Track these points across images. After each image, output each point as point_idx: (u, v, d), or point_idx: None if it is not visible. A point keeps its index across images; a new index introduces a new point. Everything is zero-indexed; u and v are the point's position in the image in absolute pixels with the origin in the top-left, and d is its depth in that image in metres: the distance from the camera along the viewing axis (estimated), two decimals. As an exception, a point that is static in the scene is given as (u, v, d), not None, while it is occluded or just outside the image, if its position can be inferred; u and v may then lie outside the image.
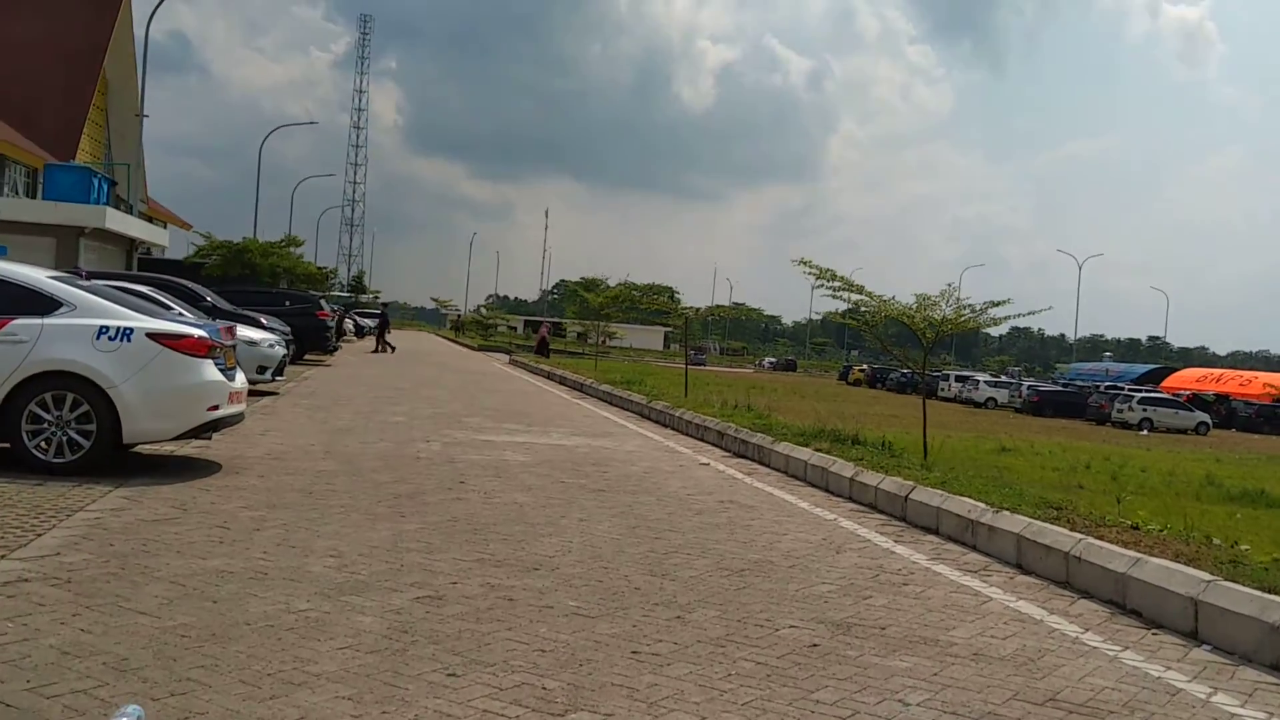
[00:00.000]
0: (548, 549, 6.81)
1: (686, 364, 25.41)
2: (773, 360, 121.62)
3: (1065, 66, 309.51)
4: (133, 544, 6.14)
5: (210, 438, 9.45)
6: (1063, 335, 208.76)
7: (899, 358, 15.65)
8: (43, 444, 8.21)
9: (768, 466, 11.89)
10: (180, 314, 17.38)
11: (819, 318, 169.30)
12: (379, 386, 21.84)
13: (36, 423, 8.20)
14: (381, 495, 8.43)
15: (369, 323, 67.89)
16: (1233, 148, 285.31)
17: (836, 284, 13.09)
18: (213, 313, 20.43)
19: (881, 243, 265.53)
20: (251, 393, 17.75)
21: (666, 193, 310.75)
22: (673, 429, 16.27)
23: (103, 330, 8.38)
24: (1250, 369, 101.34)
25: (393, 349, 42.27)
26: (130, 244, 35.77)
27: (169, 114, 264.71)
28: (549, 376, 31.25)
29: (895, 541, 7.83)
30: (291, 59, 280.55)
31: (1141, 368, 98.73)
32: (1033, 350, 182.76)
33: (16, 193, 36.62)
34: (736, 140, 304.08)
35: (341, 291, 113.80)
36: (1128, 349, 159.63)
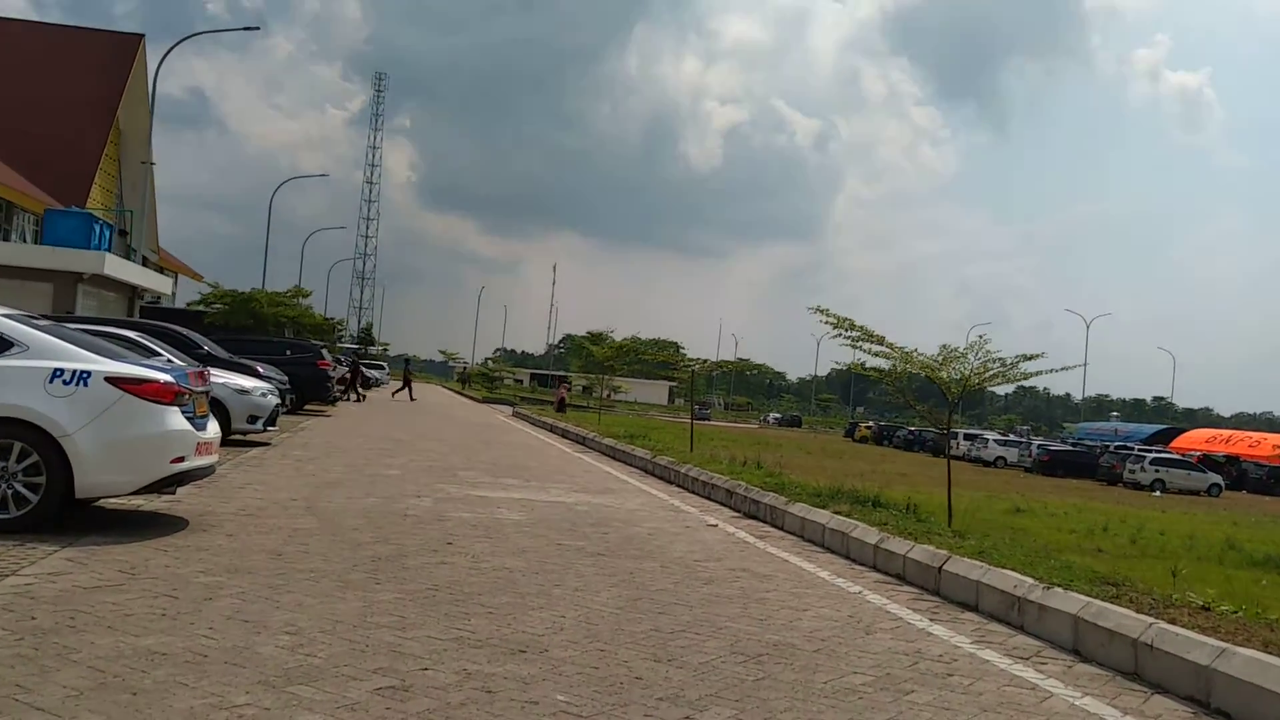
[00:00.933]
0: (538, 625, 5.99)
1: (692, 418, 24.61)
2: (777, 416, 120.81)
3: (1068, 130, 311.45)
4: (59, 617, 5.33)
5: (175, 492, 8.64)
6: (1068, 394, 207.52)
7: (923, 414, 14.72)
8: (-16, 497, 7.43)
9: (781, 529, 11.05)
10: (168, 360, 16.70)
11: (824, 374, 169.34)
12: (377, 438, 21.06)
13: (-21, 474, 7.42)
14: (359, 558, 7.62)
15: (375, 374, 67.99)
16: (1231, 210, 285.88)
17: (855, 334, 12.33)
18: (206, 360, 19.72)
19: (887, 300, 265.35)
20: (241, 443, 17.01)
21: (672, 249, 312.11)
22: (678, 486, 15.44)
23: (57, 373, 7.62)
24: (1254, 430, 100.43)
25: (413, 398, 42.95)
26: (133, 291, 35.24)
27: (187, 168, 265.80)
28: (551, 430, 30.46)
29: (931, 620, 6.98)
30: (307, 116, 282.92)
31: (1150, 428, 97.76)
32: (1038, 409, 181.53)
33: (25, 240, 36.20)
34: (742, 198, 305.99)
35: (350, 343, 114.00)
36: (1133, 409, 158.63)
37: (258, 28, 41.95)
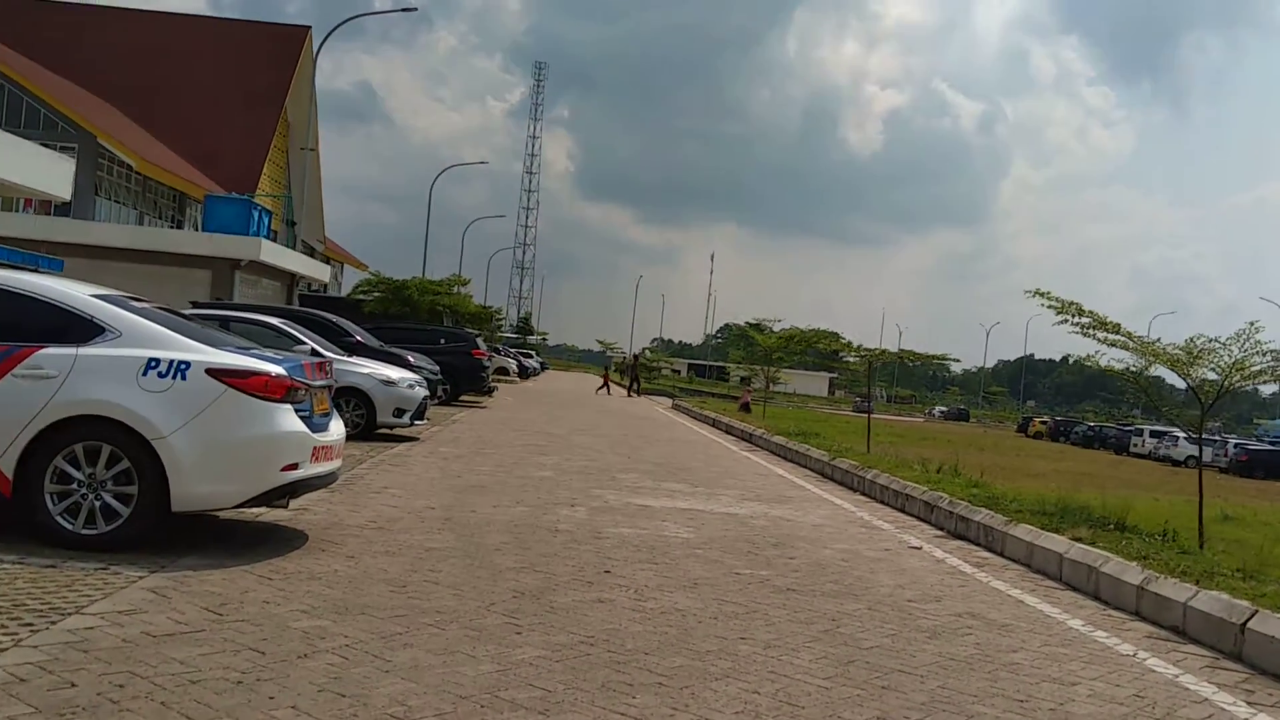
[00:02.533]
0: (725, 705, 4.47)
1: (869, 413, 22.72)
2: (944, 409, 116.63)
3: (1252, 106, 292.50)
4: (105, 684, 4.07)
5: (287, 505, 7.44)
6: (1255, 389, 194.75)
7: (1170, 417, 12.64)
8: (69, 510, 6.32)
9: (1000, 555, 9.24)
10: (311, 349, 15.83)
11: (991, 365, 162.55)
12: (531, 433, 19.91)
13: (64, 482, 6.32)
14: (498, 592, 6.24)
15: (533, 363, 67.69)
16: None
17: (1085, 320, 10.40)
18: (355, 349, 18.93)
19: (1057, 288, 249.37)
20: (387, 438, 16.03)
21: (831, 237, 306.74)
22: (863, 494, 13.70)
23: (152, 364, 6.47)
24: None
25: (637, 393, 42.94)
26: (291, 278, 35.24)
27: (355, 160, 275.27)
28: (714, 425, 28.93)
29: (1250, 704, 5.17)
30: (469, 108, 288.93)
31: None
32: (1222, 404, 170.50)
33: (197, 228, 36.69)
34: (904, 184, 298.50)
35: (509, 332, 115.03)
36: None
37: (414, 8, 42.13)
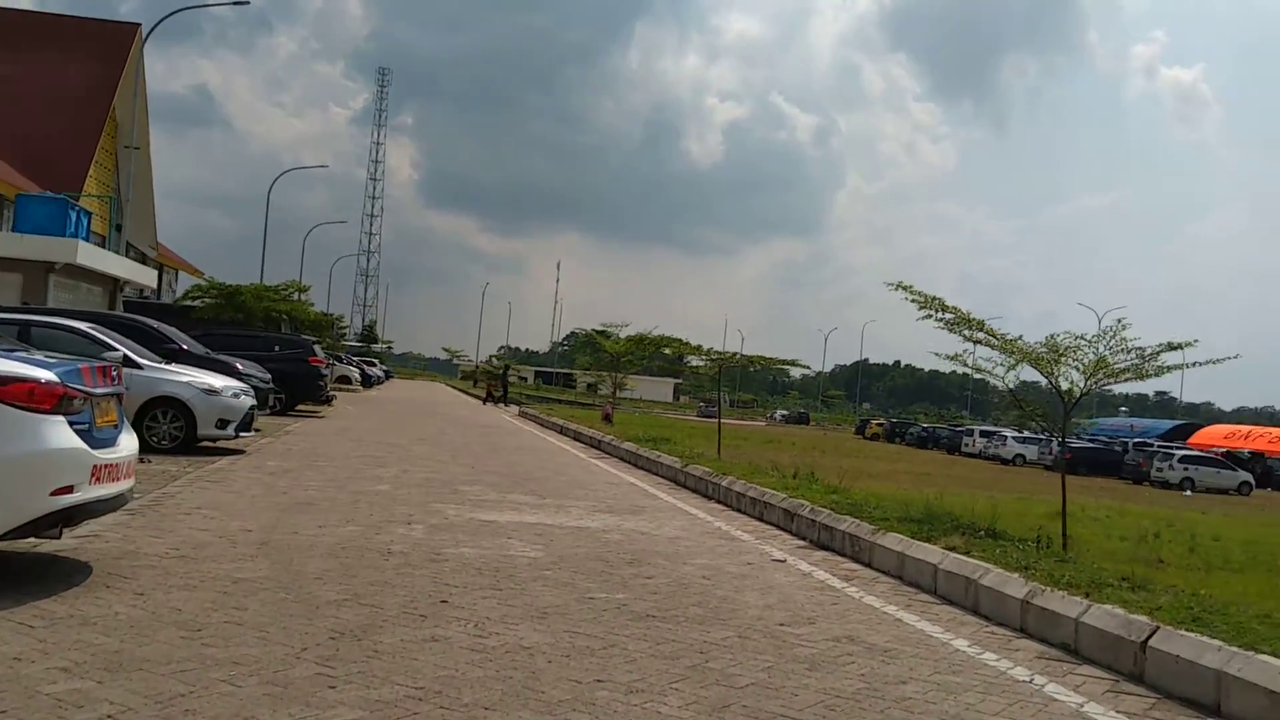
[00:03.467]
0: (580, 774, 3.70)
1: (719, 418, 22.27)
2: (784, 413, 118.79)
3: (1067, 126, 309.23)
4: None
5: (60, 535, 6.30)
6: (1070, 389, 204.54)
7: (1035, 417, 12.41)
8: None
9: (869, 567, 8.72)
10: (123, 356, 14.41)
11: (829, 370, 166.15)
12: (370, 443, 18.76)
13: None
14: (313, 633, 5.33)
15: (376, 371, 65.36)
16: (1228, 205, 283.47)
17: (947, 315, 10.03)
18: (178, 356, 17.50)
19: (888, 297, 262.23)
20: (211, 451, 14.73)
21: (675, 246, 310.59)
22: (719, 502, 13.12)
23: (-115, 370, 5.34)
24: (1255, 425, 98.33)
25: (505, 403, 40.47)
26: (114, 284, 32.93)
27: (193, 166, 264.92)
28: (562, 431, 28.14)
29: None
30: (311, 114, 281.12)
31: (1166, 424, 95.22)
32: (1042, 404, 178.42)
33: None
34: (744, 194, 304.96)
35: (353, 340, 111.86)
36: (1136, 404, 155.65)
37: (247, 1, 39.76)
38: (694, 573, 8.01)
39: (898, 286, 10.51)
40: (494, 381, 56.85)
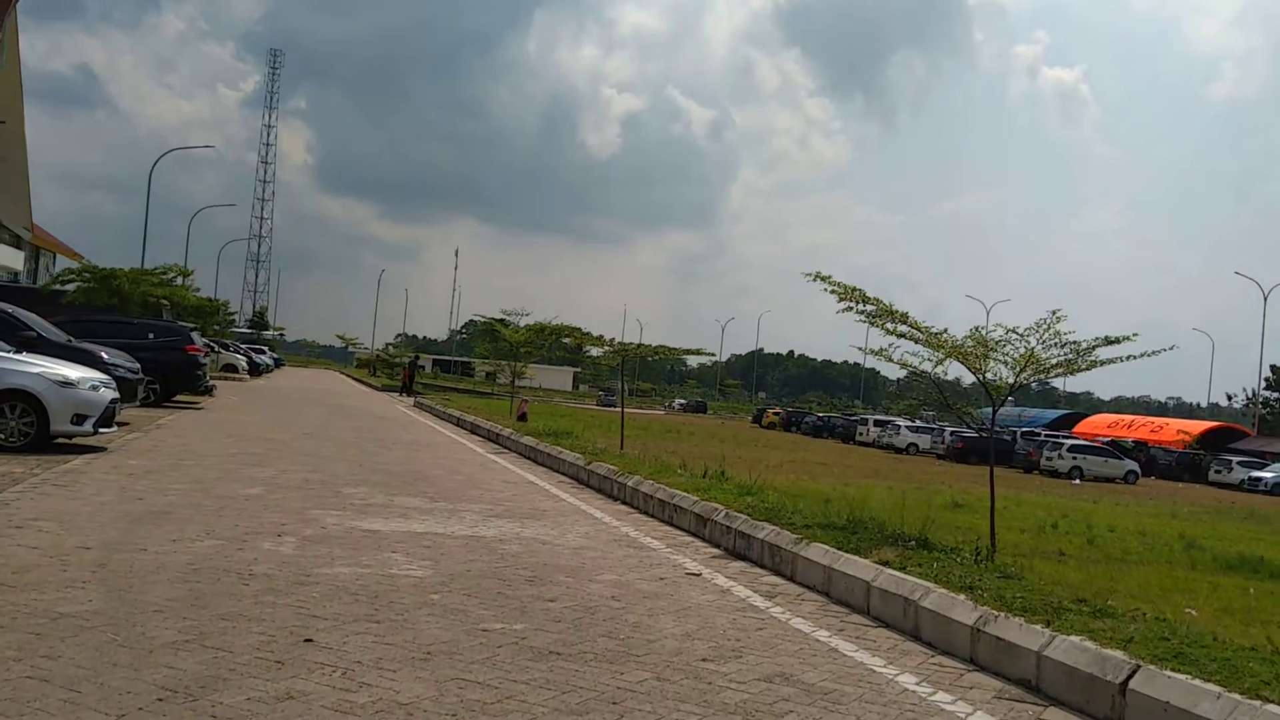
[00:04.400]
0: None
1: (621, 408, 21.42)
2: (683, 402, 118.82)
3: (953, 123, 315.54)
4: None
5: None
6: (958, 379, 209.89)
7: (959, 413, 11.80)
8: None
9: (792, 581, 7.93)
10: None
11: (725, 359, 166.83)
12: (248, 438, 17.47)
13: None
14: (139, 689, 4.32)
15: (265, 359, 62.80)
16: (1104, 201, 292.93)
17: (869, 307, 9.31)
18: (34, 344, 16.01)
19: (782, 288, 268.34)
20: (65, 449, 13.39)
21: (573, 235, 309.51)
22: (625, 503, 12.25)
23: None
24: (1135, 414, 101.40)
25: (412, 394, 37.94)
26: (-28, 265, 30.76)
27: (75, 148, 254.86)
28: (459, 424, 27.00)
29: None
30: (200, 96, 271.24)
31: (1052, 413, 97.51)
32: (929, 393, 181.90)
33: None
34: (641, 186, 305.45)
35: (244, 327, 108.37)
36: (1019, 393, 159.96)
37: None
38: (602, 592, 7.13)
39: (816, 277, 9.76)
40: (407, 371, 55.32)
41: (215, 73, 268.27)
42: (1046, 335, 8.67)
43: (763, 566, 8.41)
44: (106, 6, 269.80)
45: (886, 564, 7.06)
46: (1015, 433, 64.16)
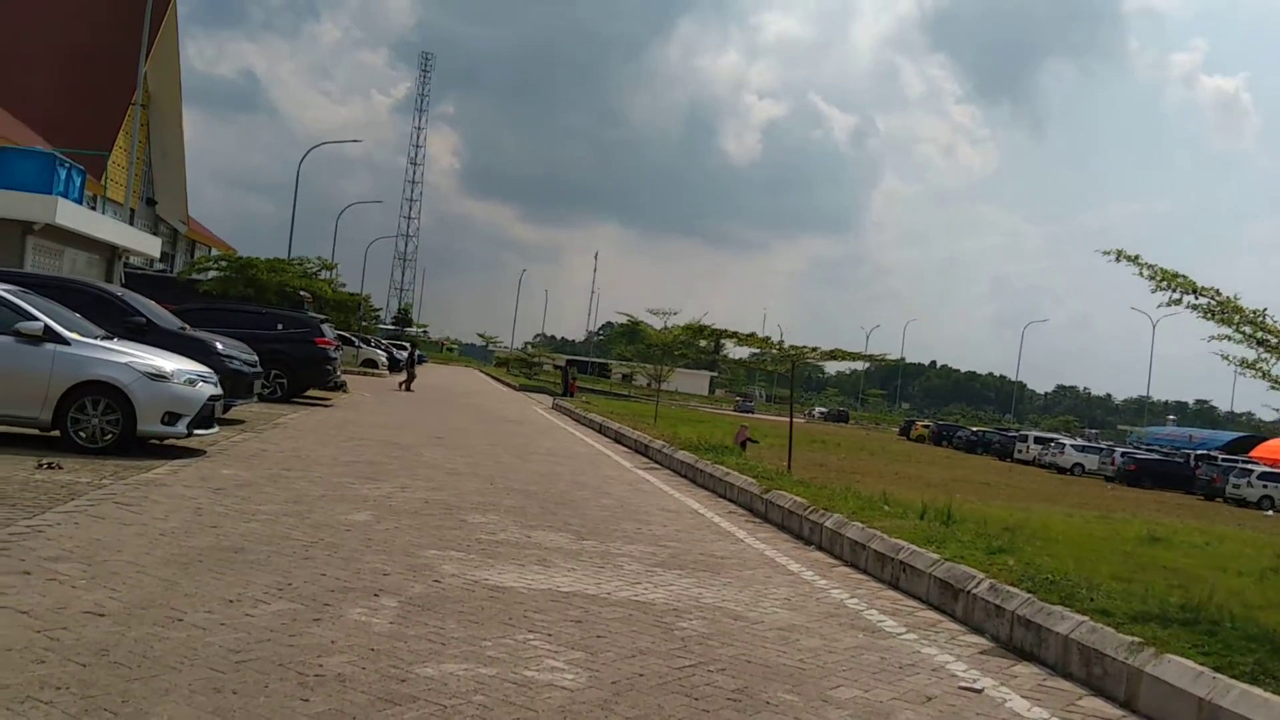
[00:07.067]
0: None
1: (791, 423, 18.68)
2: (823, 410, 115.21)
3: (1104, 132, 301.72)
4: None
5: None
6: (1109, 395, 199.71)
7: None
8: None
9: (1132, 712, 5.19)
10: (44, 326, 11.15)
11: (864, 367, 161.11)
12: (371, 443, 15.42)
13: None
14: None
15: (403, 356, 61.63)
16: (1266, 215, 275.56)
17: (1202, 300, 6.51)
18: (142, 331, 14.26)
19: (925, 295, 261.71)
20: (154, 451, 11.44)
21: (711, 240, 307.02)
22: (822, 548, 9.61)
23: None
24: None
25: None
26: (112, 251, 29.81)
27: (236, 150, 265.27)
28: (600, 430, 24.65)
29: None
30: (354, 101, 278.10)
31: (1225, 435, 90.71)
32: (1079, 409, 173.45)
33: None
34: (780, 192, 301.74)
35: (388, 324, 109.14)
36: (1176, 412, 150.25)
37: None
38: (849, 725, 4.56)
39: (1119, 256, 7.03)
40: (564, 375, 54.30)
41: (369, 79, 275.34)
42: None
43: (1069, 677, 5.68)
44: (269, 14, 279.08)
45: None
46: (1189, 455, 59.17)
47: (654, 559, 8.27)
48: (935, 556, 7.57)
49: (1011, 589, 6.54)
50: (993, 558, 7.68)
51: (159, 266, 39.51)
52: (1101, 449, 62.36)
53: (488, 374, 79.88)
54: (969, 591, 6.83)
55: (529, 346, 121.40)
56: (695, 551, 8.88)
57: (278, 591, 5.87)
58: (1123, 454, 57.61)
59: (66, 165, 26.09)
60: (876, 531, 8.72)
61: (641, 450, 19.28)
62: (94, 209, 31.74)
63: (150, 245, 32.26)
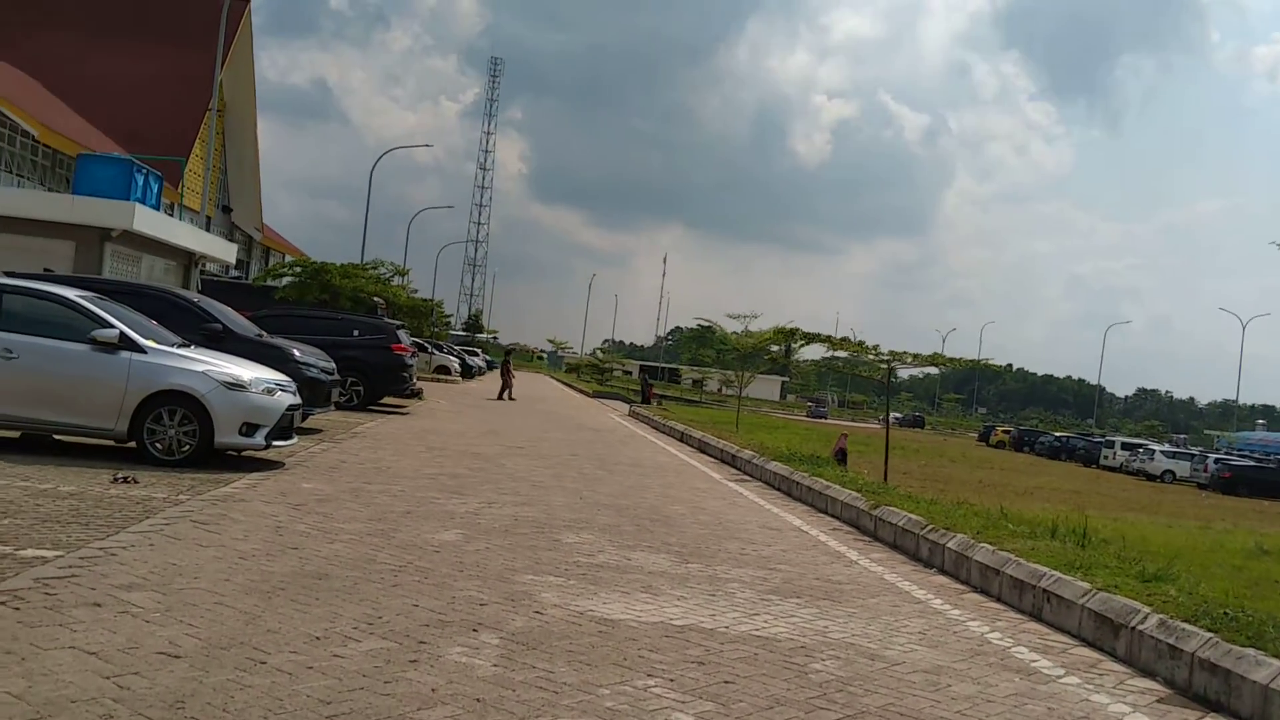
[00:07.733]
0: None
1: (887, 432, 17.89)
2: (899, 416, 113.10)
3: (1184, 128, 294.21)
4: None
5: None
6: (1192, 398, 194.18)
7: None
8: None
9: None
10: (120, 334, 10.77)
11: (938, 371, 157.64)
12: (452, 453, 14.93)
13: None
14: None
15: (478, 361, 61.21)
16: None
17: None
18: (219, 338, 13.93)
19: (999, 297, 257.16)
20: (230, 463, 10.97)
21: (780, 243, 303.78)
22: (945, 572, 8.84)
23: None
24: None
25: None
26: (189, 258, 29.85)
27: (308, 157, 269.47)
28: (682, 439, 23.97)
29: None
30: (424, 108, 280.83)
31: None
32: (1161, 413, 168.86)
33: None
34: (851, 193, 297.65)
35: (459, 330, 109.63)
36: (1265, 415, 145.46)
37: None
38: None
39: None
40: (642, 383, 54.19)
41: (438, 86, 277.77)
42: None
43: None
44: (340, 24, 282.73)
45: None
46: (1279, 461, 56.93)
47: (766, 584, 7.59)
48: (1086, 586, 6.78)
49: (1187, 626, 5.76)
50: (1148, 586, 6.88)
51: (234, 273, 39.67)
52: (1193, 455, 60.26)
53: (559, 380, 79.59)
54: (1133, 628, 6.05)
55: (598, 352, 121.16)
56: (809, 576, 8.17)
57: (368, 626, 5.31)
58: (1216, 460, 55.53)
59: (144, 172, 26.08)
60: (1010, 555, 7.94)
61: (729, 460, 18.57)
62: (171, 215, 31.82)
63: (226, 251, 32.28)
